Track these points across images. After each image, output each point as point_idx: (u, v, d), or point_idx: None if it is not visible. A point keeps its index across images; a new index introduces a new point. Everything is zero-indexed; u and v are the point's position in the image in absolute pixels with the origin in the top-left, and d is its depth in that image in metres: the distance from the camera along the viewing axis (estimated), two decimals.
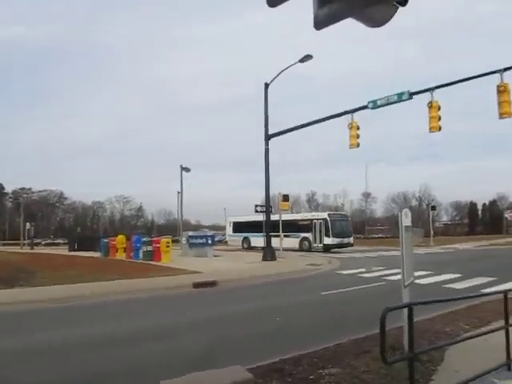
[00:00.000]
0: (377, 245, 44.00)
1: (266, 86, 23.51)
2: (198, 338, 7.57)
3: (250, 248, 36.79)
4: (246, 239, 38.91)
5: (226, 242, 57.94)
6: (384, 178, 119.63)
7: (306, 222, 35.32)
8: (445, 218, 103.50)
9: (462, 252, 32.36)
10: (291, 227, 34.55)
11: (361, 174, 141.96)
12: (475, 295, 9.22)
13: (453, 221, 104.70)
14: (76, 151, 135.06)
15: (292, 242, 34.21)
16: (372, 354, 5.77)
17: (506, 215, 44.86)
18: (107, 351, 6.81)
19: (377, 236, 76.82)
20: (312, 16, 2.26)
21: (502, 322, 8.04)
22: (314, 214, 40.12)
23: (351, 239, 35.23)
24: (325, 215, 34.73)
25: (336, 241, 32.80)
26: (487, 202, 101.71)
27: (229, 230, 43.22)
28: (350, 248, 34.55)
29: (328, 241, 32.73)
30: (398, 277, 16.37)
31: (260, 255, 24.45)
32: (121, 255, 26.78)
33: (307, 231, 34.54)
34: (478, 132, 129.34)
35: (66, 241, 50.09)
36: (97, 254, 29.16)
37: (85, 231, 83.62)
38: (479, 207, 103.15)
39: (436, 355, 5.60)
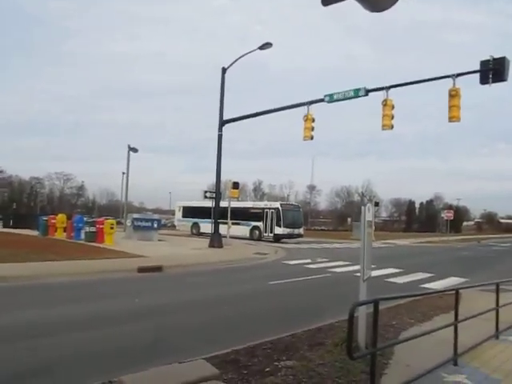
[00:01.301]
0: (320, 237, 44.91)
1: (224, 70, 23.08)
2: (145, 327, 7.27)
3: (200, 234, 36.09)
4: (195, 225, 38.16)
5: (170, 226, 57.12)
6: (330, 172, 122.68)
7: (257, 211, 34.96)
8: (384, 214, 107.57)
9: (401, 248, 33.73)
10: (242, 215, 34.48)
11: (307, 167, 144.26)
12: (431, 292, 9.54)
13: (391, 217, 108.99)
14: (14, 126, 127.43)
15: (242, 230, 34.16)
16: (326, 346, 5.78)
17: (442, 215, 46.98)
18: (40, 340, 6.35)
19: (319, 228, 78.40)
20: None
21: (443, 316, 8.44)
22: (266, 203, 39.58)
23: (302, 230, 35.09)
24: (277, 205, 34.43)
25: (287, 231, 32.69)
26: (424, 201, 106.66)
27: (178, 214, 42.22)
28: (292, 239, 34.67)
29: (279, 230, 32.54)
30: (342, 269, 16.86)
31: (206, 242, 24.20)
32: (61, 235, 25.52)
33: (258, 220, 34.18)
34: (422, 134, 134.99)
35: (0, 217, 47.28)
36: (34, 233, 27.67)
37: (21, 208, 79.14)
38: (417, 206, 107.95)
39: (386, 349, 5.68)
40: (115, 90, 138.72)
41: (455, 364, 5.46)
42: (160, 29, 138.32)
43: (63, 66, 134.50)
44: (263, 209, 34.66)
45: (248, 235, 34.14)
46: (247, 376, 4.68)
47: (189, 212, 39.79)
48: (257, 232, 34.15)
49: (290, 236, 33.16)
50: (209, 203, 29.63)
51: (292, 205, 40.35)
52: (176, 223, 42.94)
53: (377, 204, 56.94)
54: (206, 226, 33.53)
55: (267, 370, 4.91)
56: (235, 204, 37.91)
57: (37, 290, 10.40)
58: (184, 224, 40.22)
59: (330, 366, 5.02)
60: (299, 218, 35.66)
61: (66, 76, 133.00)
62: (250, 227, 34.58)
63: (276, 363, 5.13)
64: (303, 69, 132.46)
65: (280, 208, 33.25)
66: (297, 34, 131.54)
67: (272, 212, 33.38)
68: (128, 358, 5.51)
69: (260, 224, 34.00)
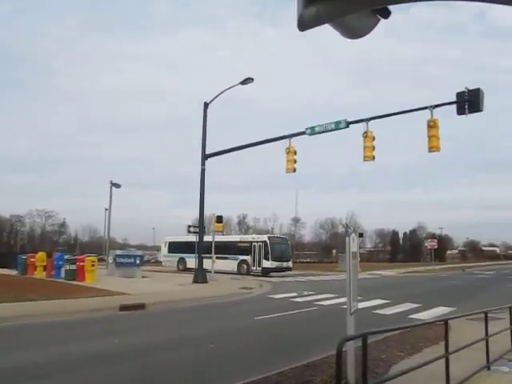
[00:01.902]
0: (305, 269, 44.60)
1: (206, 105, 23.29)
2: (130, 366, 6.99)
3: (186, 269, 35.16)
4: (181, 260, 37.37)
5: (153, 262, 56.19)
6: (313, 204, 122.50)
7: (244, 245, 34.17)
8: (369, 245, 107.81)
9: (386, 278, 33.63)
10: (229, 249, 33.85)
11: (291, 199, 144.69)
12: (418, 324, 9.38)
13: (376, 248, 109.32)
14: None
15: (230, 264, 33.42)
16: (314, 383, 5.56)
17: (426, 244, 47.25)
18: (43, 380, 6.02)
19: (305, 260, 78.05)
20: (296, 17, 2.06)
21: (433, 348, 8.27)
22: (253, 236, 38.63)
23: (290, 263, 34.49)
24: (265, 238, 33.74)
25: (275, 264, 31.95)
26: (408, 231, 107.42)
27: (164, 250, 41.44)
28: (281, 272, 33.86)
29: (267, 264, 31.76)
30: (329, 302, 16.65)
31: (191, 277, 23.77)
32: (40, 274, 24.79)
33: (246, 254, 33.39)
34: (403, 165, 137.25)
35: None
36: (13, 272, 26.88)
37: (0, 247, 77.44)
38: (401, 235, 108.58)
39: None
40: (99, 126, 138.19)
41: None
42: (145, 64, 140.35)
43: (48, 101, 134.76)
44: (251, 242, 33.87)
45: (236, 269, 33.34)
46: None
47: (175, 247, 39.17)
48: (245, 266, 33.26)
49: (278, 269, 32.33)
50: (194, 238, 29.25)
51: (280, 237, 39.66)
52: (162, 259, 42.24)
53: (361, 235, 57.17)
54: (193, 261, 32.88)
55: None
56: (221, 238, 37.26)
57: (12, 331, 9.96)
58: (170, 260, 39.38)
59: None
60: (287, 251, 35.07)
61: (50, 112, 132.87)
62: (238, 261, 33.71)
63: None
64: (286, 103, 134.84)
65: (268, 241, 32.56)
66: (279, 69, 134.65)
67: (260, 245, 32.61)
68: None
69: (248, 258, 33.16)
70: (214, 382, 5.71)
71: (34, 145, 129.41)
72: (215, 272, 27.65)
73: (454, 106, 15.18)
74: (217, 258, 30.94)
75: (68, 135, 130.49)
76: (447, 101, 15.58)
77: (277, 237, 40.02)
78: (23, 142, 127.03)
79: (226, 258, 33.08)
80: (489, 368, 6.81)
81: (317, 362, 6.99)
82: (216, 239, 30.21)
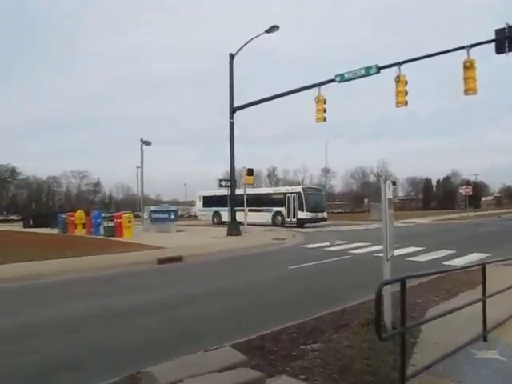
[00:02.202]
0: (337, 219, 44.67)
1: (232, 57, 22.86)
2: (171, 317, 7.32)
3: (221, 223, 35.05)
4: (216, 214, 37.34)
5: (187, 217, 57.22)
6: (343, 154, 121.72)
7: (279, 196, 33.90)
8: (401, 194, 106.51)
9: (420, 226, 33.40)
10: (263, 202, 34.02)
11: (321, 150, 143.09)
12: (456, 268, 9.35)
13: (408, 196, 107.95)
14: (28, 126, 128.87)
15: (264, 216, 33.53)
16: (351, 327, 5.71)
17: (460, 191, 46.37)
18: (70, 335, 6.43)
19: (336, 211, 78.02)
20: None
21: (468, 293, 8.30)
22: (287, 187, 37.62)
23: (325, 214, 34.31)
24: (299, 189, 33.45)
25: (310, 215, 31.79)
26: (441, 179, 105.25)
27: (199, 204, 41.52)
28: (316, 223, 33.80)
29: (302, 215, 31.64)
30: (362, 250, 16.72)
31: (225, 230, 24.24)
32: (80, 231, 25.86)
33: (280, 205, 33.27)
34: (436, 110, 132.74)
35: (21, 217, 47.97)
36: (54, 231, 28.05)
37: (40, 207, 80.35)
38: (434, 183, 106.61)
39: (413, 328, 5.58)
40: (124, 85, 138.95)
41: (485, 340, 5.35)
42: (170, 18, 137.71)
43: (74, 62, 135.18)
44: (285, 194, 33.53)
45: (270, 221, 33.41)
46: (274, 361, 4.64)
47: (209, 201, 39.18)
48: (279, 218, 33.29)
49: (313, 220, 32.36)
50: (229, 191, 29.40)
51: (314, 188, 39.19)
52: (197, 213, 42.46)
53: (394, 183, 56.37)
54: (227, 215, 33.36)
55: (294, 354, 4.86)
56: (255, 191, 37.78)
57: (62, 286, 10.55)
58: (205, 214, 39.67)
59: (357, 347, 4.95)
60: (322, 202, 34.95)
61: (75, 72, 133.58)
62: (272, 213, 33.72)
63: (302, 347, 5.08)
64: (314, 52, 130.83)
65: (302, 192, 32.30)
66: (306, 17, 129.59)
67: (294, 196, 32.34)
68: (156, 348, 5.52)
69: (282, 209, 33.11)
70: (253, 329, 5.91)
71: (62, 106, 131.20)
72: (249, 224, 28.31)
73: (493, 44, 14.37)
74: (251, 210, 31.24)
75: (93, 96, 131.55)
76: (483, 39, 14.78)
77: (311, 187, 39.67)
78: (51, 104, 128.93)
79: (260, 211, 33.35)
80: None
81: (353, 307, 7.14)
82: (249, 192, 30.52)
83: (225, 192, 32.17)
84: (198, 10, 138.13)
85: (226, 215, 33.79)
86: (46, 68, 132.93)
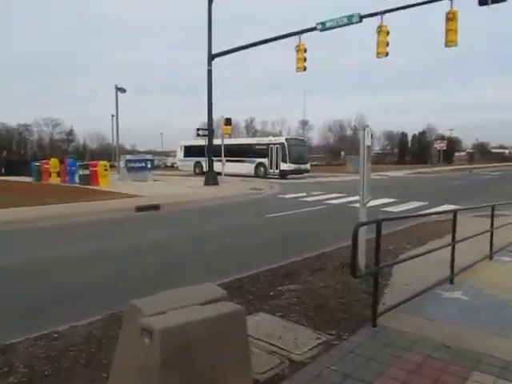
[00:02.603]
0: (314, 171, 44.89)
1: (210, 0, 22.02)
2: (153, 259, 7.47)
3: (203, 173, 33.34)
4: (198, 164, 36.29)
5: (163, 167, 56.69)
6: (322, 107, 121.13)
7: (262, 147, 33.24)
8: (377, 147, 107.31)
9: (394, 179, 34.00)
10: (246, 152, 33.65)
11: (299, 102, 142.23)
12: (428, 213, 9.71)
13: (384, 150, 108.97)
14: None
15: (247, 167, 33.24)
16: (326, 270, 5.94)
17: (435, 145, 47.17)
18: (56, 276, 6.51)
19: (313, 164, 78.46)
20: None
21: (438, 241, 8.64)
22: (270, 138, 37.22)
23: (308, 165, 33.95)
24: (282, 140, 32.96)
25: (293, 167, 31.47)
26: (417, 133, 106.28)
27: (180, 154, 40.60)
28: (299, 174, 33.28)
29: (285, 166, 31.22)
30: (337, 201, 17.02)
31: (202, 180, 24.23)
32: (55, 179, 25.45)
33: (263, 156, 32.71)
34: (415, 65, 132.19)
35: None
36: (28, 179, 27.54)
37: (11, 156, 78.20)
38: (410, 138, 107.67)
39: (385, 270, 5.84)
40: (101, 29, 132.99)
41: (451, 282, 5.66)
42: None
43: (51, 2, 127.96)
44: (268, 144, 32.94)
45: (253, 172, 33.05)
46: (252, 300, 4.83)
47: (190, 151, 38.19)
48: (262, 169, 32.85)
49: (296, 172, 32.07)
50: (215, 141, 28.99)
51: (297, 139, 38.55)
52: (178, 163, 41.92)
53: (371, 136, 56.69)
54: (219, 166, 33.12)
55: (271, 294, 5.06)
56: (238, 141, 37.78)
57: (42, 232, 10.54)
58: (186, 164, 38.97)
59: (331, 287, 5.18)
60: (305, 153, 34.51)
61: (48, 14, 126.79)
62: (255, 164, 33.23)
63: (279, 288, 5.28)
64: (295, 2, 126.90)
65: (285, 143, 31.77)
66: None
67: (277, 147, 31.87)
68: (136, 289, 5.64)
69: (265, 160, 32.64)
70: (231, 272, 6.09)
71: (34, 51, 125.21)
72: (231, 175, 28.52)
73: None
74: (233, 161, 31.88)
75: (69, 39, 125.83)
76: None
77: (294, 138, 39.07)
78: (24, 47, 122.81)
79: (242, 161, 33.14)
80: (491, 258, 7.17)
81: (327, 253, 7.39)
82: (231, 142, 30.67)
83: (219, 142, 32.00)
84: None
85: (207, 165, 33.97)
86: (17, 6, 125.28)
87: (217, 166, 25.24)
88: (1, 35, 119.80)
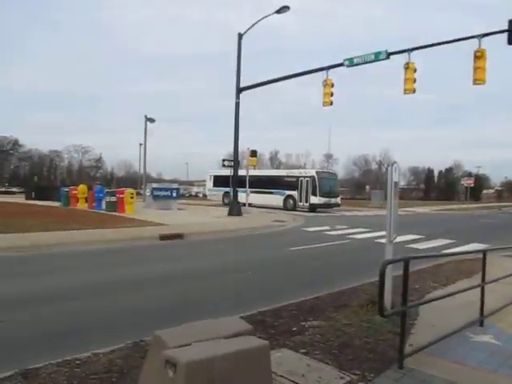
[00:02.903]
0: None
1: (240, 36, 22.62)
2: (174, 290, 7.48)
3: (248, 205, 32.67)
4: (226, 194, 34.59)
5: (188, 196, 57.14)
6: (347, 141, 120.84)
7: (291, 179, 32.54)
8: (402, 183, 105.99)
9: (421, 215, 33.47)
10: (275, 184, 33.15)
11: (324, 135, 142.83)
12: (457, 253, 9.50)
13: (409, 185, 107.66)
14: (29, 97, 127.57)
15: (276, 199, 32.65)
16: (351, 307, 5.82)
17: (462, 182, 46.45)
18: (76, 304, 6.57)
19: None
20: None
21: (466, 281, 8.41)
22: (300, 170, 36.46)
23: (339, 199, 33.04)
24: (312, 172, 32.07)
25: (323, 200, 30.60)
26: (443, 170, 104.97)
27: (209, 184, 40.00)
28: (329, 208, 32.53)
29: (315, 200, 30.45)
30: (362, 235, 16.78)
31: (226, 210, 24.35)
32: (82, 205, 25.98)
33: (293, 189, 31.93)
34: (441, 100, 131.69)
35: (22, 189, 48.05)
36: (56, 204, 28.17)
37: (41, 181, 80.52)
38: (436, 174, 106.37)
39: (412, 310, 5.69)
40: (131, 61, 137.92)
41: (481, 325, 5.47)
42: None
43: (81, 37, 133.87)
44: (298, 177, 32.19)
45: (281, 205, 32.31)
46: (275, 335, 4.76)
47: (220, 181, 37.17)
48: (291, 201, 32.02)
49: (326, 205, 31.23)
50: (241, 172, 29.00)
51: (329, 173, 37.18)
52: (207, 193, 41.28)
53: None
54: (240, 195, 32.56)
55: (294, 329, 4.98)
56: (267, 172, 37.98)
57: (66, 257, 10.69)
58: (215, 194, 38.27)
59: (356, 325, 5.07)
60: (336, 187, 33.88)
61: (82, 48, 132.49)
62: (284, 196, 32.45)
63: (302, 323, 5.20)
64: (323, 36, 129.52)
65: (316, 176, 31.03)
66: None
67: (307, 180, 31.14)
68: (161, 318, 5.65)
69: (295, 193, 31.85)
70: (254, 305, 6.04)
71: (68, 81, 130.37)
72: (259, 207, 28.99)
73: (505, 35, 14.24)
74: (262, 192, 32.27)
75: (100, 70, 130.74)
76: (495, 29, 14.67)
77: (325, 171, 37.86)
78: (58, 78, 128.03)
79: (271, 193, 32.74)
80: None
81: (352, 288, 7.26)
82: (261, 173, 30.95)
83: (240, 172, 31.64)
84: None
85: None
86: (47, 38, 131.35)
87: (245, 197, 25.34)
88: (38, 68, 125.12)
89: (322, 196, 30.61)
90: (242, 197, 31.10)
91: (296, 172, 34.71)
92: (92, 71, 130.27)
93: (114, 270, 9.21)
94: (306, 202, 31.08)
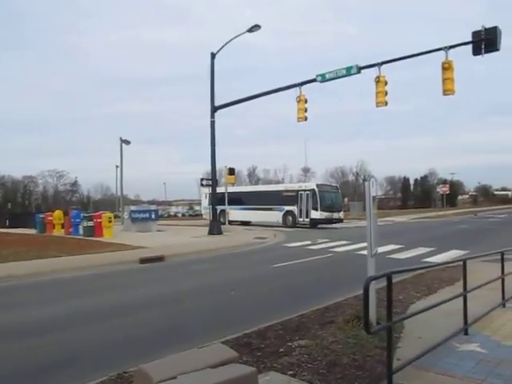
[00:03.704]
0: None
1: (213, 56, 22.77)
2: (157, 315, 7.32)
3: (229, 222, 31.38)
4: (222, 212, 31.76)
5: (167, 216, 56.67)
6: (323, 154, 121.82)
7: (290, 194, 30.51)
8: (380, 193, 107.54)
9: (399, 224, 33.89)
10: (274, 199, 31.06)
11: (301, 149, 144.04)
12: (438, 263, 9.56)
13: (387, 195, 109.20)
14: (3, 125, 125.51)
15: (275, 215, 30.69)
16: (337, 324, 5.79)
17: (438, 189, 47.25)
18: (55, 334, 6.36)
19: None
20: None
21: (448, 289, 8.50)
22: (300, 184, 34.79)
23: (341, 214, 31.22)
24: (313, 186, 30.01)
25: (324, 215, 28.77)
26: (419, 178, 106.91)
27: (204, 202, 36.49)
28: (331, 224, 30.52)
29: (316, 215, 28.57)
30: (343, 248, 16.86)
31: (206, 229, 24.16)
32: (59, 232, 25.46)
33: (292, 204, 29.99)
34: (414, 110, 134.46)
35: None
36: (32, 231, 27.55)
37: (16, 207, 78.77)
38: (411, 182, 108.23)
39: (397, 323, 5.68)
40: (104, 82, 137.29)
41: (466, 333, 5.50)
42: (149, 15, 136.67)
43: (53, 60, 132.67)
44: (297, 191, 30.18)
45: (281, 221, 30.43)
46: (262, 358, 4.68)
47: (216, 199, 34.64)
48: (290, 218, 30.12)
49: (328, 221, 29.30)
50: (239, 188, 28.56)
51: (330, 185, 34.65)
52: (203, 211, 37.96)
53: None
54: (236, 214, 31.40)
55: (281, 350, 4.90)
56: (264, 188, 36.35)
57: (44, 286, 10.41)
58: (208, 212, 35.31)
59: (343, 342, 5.03)
60: (338, 200, 31.77)
61: (55, 70, 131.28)
62: (283, 212, 30.38)
63: (289, 343, 5.13)
64: (296, 52, 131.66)
65: (316, 189, 29.09)
66: (288, 16, 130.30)
67: (307, 194, 29.17)
68: (145, 346, 5.51)
69: (294, 208, 29.82)
70: (239, 326, 5.95)
71: (40, 105, 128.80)
72: (257, 225, 28.65)
73: (470, 46, 14.71)
74: (259, 209, 30.81)
75: (74, 93, 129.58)
76: (461, 41, 15.11)
77: (327, 184, 35.55)
78: (30, 102, 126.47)
79: (270, 209, 30.75)
80: (504, 305, 7.00)
81: (336, 304, 7.24)
82: (257, 189, 30.49)
83: (234, 189, 30.96)
84: (178, 7, 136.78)
85: (234, 214, 32.02)
86: (18, 63, 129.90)
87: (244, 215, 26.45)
88: (8, 91, 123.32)
89: (323, 210, 28.79)
90: (239, 215, 30.87)
91: (295, 186, 33.28)
92: (66, 93, 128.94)
93: (93, 296, 8.97)
94: (307, 217, 29.18)
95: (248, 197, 28.62)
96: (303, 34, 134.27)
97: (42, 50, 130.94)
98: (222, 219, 31.44)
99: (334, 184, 37.68)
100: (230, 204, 30.35)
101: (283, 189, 32.79)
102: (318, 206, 28.60)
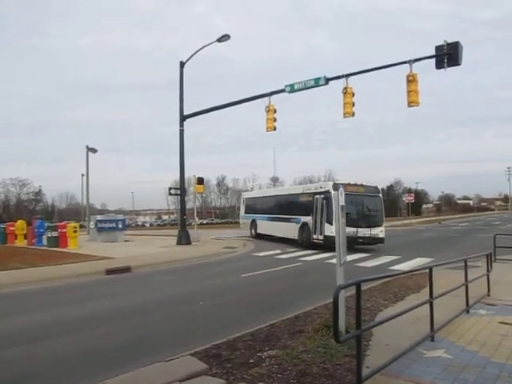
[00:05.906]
0: None
1: (182, 64, 22.66)
2: (123, 327, 7.13)
3: (260, 236, 26.49)
4: (254, 223, 27.43)
5: (134, 226, 55.76)
6: (292, 163, 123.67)
7: (307, 198, 21.41)
8: None
9: None
10: (291, 207, 23.14)
11: (270, 159, 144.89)
12: (405, 272, 9.79)
13: None
14: None
15: (290, 229, 22.32)
16: (306, 333, 5.78)
17: (403, 198, 48.49)
18: (15, 349, 6.10)
19: None
20: None
21: (414, 296, 8.66)
22: (320, 184, 22.90)
23: (381, 230, 21.23)
24: (328, 186, 20.00)
25: (346, 231, 19.34)
26: (385, 187, 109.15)
27: (242, 209, 30.62)
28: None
29: (331, 231, 17.70)
30: (312, 257, 16.93)
31: (174, 240, 23.81)
32: (21, 242, 24.63)
33: (308, 213, 20.83)
34: (381, 122, 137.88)
35: None
36: None
37: None
38: None
39: (366, 331, 5.73)
40: (73, 88, 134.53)
41: (432, 340, 5.60)
42: (121, 20, 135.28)
43: (16, 62, 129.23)
44: (314, 194, 20.75)
45: (297, 237, 21.75)
46: (231, 369, 4.60)
47: (251, 206, 29.11)
48: (304, 234, 21.08)
49: (353, 240, 18.07)
50: (279, 191, 26.69)
51: (356, 185, 20.77)
52: (240, 221, 31.66)
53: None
54: (263, 225, 25.99)
55: (251, 361, 4.85)
56: (279, 192, 28.79)
57: (2, 299, 9.96)
58: (245, 222, 29.50)
59: (313, 352, 5.02)
60: (373, 209, 22.05)
61: (22, 74, 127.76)
62: (300, 225, 21.54)
63: (259, 354, 5.09)
64: (266, 61, 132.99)
65: (332, 191, 18.23)
66: (259, 25, 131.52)
67: (322, 199, 19.72)
68: (111, 359, 5.33)
69: (309, 220, 20.60)
70: (207, 337, 5.87)
71: (1, 110, 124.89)
72: (271, 239, 24.41)
73: (434, 60, 15.18)
74: (278, 219, 23.95)
75: (36, 98, 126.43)
76: (425, 55, 15.59)
77: (350, 184, 20.43)
78: None
79: (287, 220, 22.84)
80: (468, 311, 7.18)
81: (306, 313, 7.25)
82: (277, 192, 27.24)
83: (272, 193, 27.80)
84: (148, 14, 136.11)
85: (261, 225, 26.45)
86: None
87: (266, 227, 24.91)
88: None
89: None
90: (263, 227, 25.84)
91: (312, 187, 22.78)
92: (29, 98, 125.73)
93: (55, 309, 8.65)
94: (321, 233, 19.60)
95: (270, 203, 24.45)
96: (274, 43, 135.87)
97: (4, 50, 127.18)
98: (253, 231, 27.63)
99: (367, 184, 22.18)
100: (257, 213, 26.54)
101: (301, 191, 23.11)
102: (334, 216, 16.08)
